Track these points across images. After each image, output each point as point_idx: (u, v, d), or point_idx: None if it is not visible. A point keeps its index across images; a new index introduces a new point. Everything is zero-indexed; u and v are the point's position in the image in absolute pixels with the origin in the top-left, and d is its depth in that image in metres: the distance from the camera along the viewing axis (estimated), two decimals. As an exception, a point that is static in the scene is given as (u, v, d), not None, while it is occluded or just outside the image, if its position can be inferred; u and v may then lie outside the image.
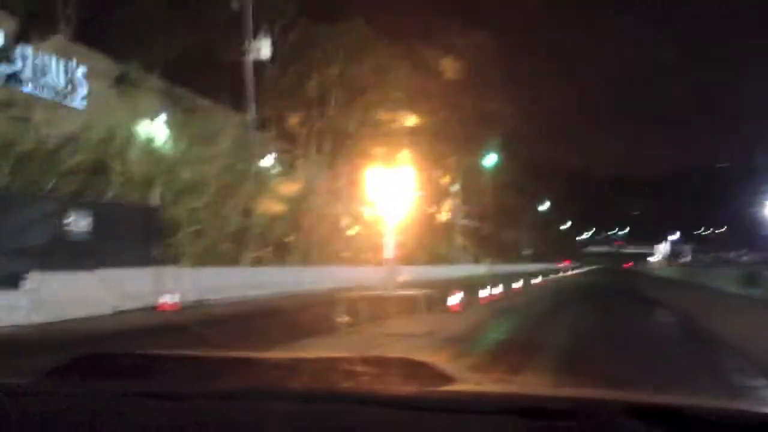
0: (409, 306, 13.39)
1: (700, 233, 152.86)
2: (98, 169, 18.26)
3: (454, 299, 14.79)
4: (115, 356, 1.93)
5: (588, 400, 1.46)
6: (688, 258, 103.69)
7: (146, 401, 1.50)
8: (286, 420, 1.38)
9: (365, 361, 1.82)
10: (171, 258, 19.15)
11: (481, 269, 53.65)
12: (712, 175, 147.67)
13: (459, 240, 52.88)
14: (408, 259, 33.25)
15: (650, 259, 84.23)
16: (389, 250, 16.34)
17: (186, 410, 1.46)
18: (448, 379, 1.59)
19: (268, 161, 30.32)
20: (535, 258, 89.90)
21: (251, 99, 27.62)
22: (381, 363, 1.87)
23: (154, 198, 18.60)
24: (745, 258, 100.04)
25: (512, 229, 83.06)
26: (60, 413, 1.47)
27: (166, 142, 21.49)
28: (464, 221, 60.81)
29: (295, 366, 1.83)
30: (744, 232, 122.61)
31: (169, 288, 16.22)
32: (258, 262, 23.45)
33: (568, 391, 1.62)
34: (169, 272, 17.33)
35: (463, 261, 53.46)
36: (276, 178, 27.91)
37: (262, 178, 25.74)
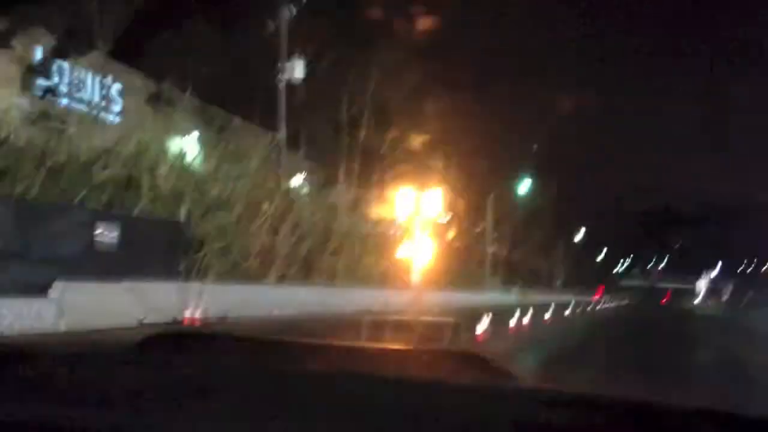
0: (434, 333, 13.02)
1: (741, 269, 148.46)
2: (129, 184, 18.40)
3: (482, 328, 14.38)
4: (199, 334, 2.09)
5: (656, 404, 1.42)
6: (727, 296, 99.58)
7: (247, 375, 1.54)
8: (378, 404, 1.40)
9: (435, 352, 2.05)
10: (197, 273, 19.12)
11: (511, 297, 52.81)
12: (759, 209, 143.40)
13: (489, 266, 52.20)
14: (436, 283, 32.79)
15: (697, 300, 79.50)
16: (416, 274, 16.06)
17: (289, 386, 1.47)
18: (509, 376, 1.71)
19: (297, 181, 30.38)
20: (568, 288, 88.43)
21: (282, 119, 27.76)
22: (450, 356, 2.02)
23: (182, 213, 18.64)
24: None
25: (544, 258, 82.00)
26: (165, 382, 1.49)
27: (196, 158, 21.62)
28: (494, 247, 60.12)
29: (370, 354, 1.96)
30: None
31: (193, 303, 16.14)
32: (283, 280, 23.32)
33: (634, 395, 1.56)
34: (194, 287, 17.27)
35: (492, 288, 52.73)
36: (305, 197, 27.91)
37: (291, 197, 25.74)
